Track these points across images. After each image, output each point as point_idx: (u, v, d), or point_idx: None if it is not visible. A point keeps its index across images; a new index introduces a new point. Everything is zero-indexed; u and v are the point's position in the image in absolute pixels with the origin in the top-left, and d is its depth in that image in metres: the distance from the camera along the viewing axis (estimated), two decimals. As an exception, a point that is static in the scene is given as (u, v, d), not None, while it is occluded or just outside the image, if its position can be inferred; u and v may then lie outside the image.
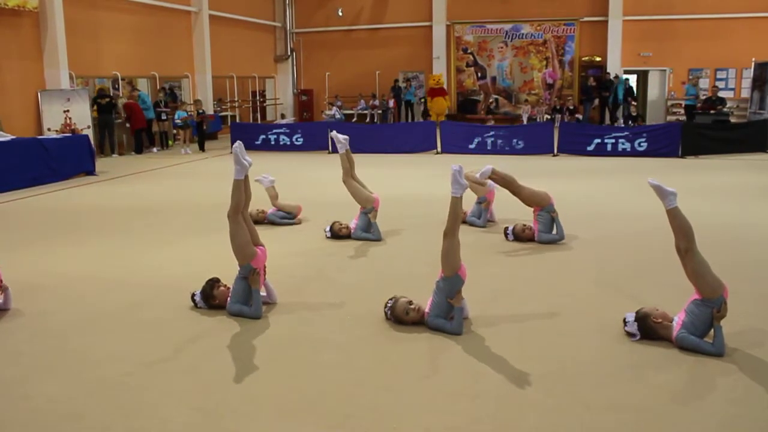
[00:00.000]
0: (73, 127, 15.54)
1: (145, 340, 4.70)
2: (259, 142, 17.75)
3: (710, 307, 4.26)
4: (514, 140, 16.14)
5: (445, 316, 4.74)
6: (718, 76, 22.74)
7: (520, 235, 7.33)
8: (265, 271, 5.26)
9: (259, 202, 8.96)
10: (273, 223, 8.40)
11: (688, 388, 3.89)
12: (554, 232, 7.27)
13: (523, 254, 6.87)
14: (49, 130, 15.12)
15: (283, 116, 24.95)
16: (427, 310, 4.82)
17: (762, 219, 8.45)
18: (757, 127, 16.32)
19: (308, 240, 7.62)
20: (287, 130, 17.94)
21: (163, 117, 18.60)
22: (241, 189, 5.09)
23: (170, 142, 19.39)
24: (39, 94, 15.25)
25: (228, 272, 6.16)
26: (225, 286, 5.25)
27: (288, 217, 8.53)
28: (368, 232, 7.57)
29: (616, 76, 22.23)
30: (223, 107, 22.67)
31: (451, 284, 4.73)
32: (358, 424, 3.51)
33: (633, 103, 20.88)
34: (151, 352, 4.47)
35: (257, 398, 3.80)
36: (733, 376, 3.97)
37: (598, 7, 23.35)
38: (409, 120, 24.05)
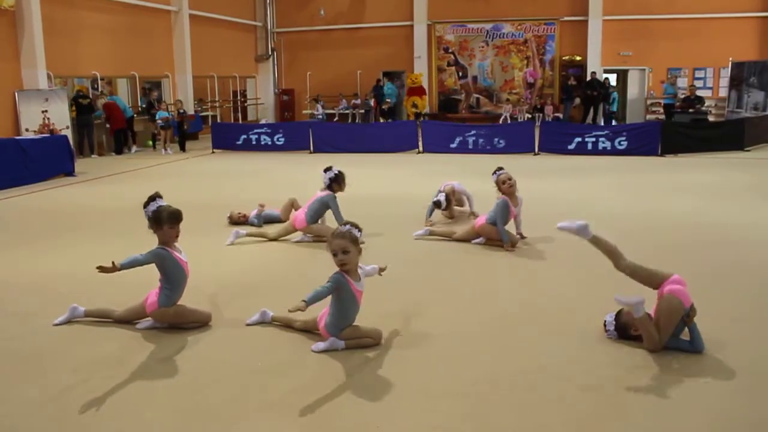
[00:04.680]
0: (51, 127, 15.37)
1: (125, 341, 4.66)
2: (240, 142, 17.70)
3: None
4: (496, 139, 16.22)
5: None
6: (696, 75, 23.01)
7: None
8: None
9: (243, 205, 8.95)
10: (253, 225, 8.32)
11: (668, 386, 3.91)
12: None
13: (504, 255, 6.89)
14: (27, 130, 14.95)
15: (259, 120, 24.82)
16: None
17: (742, 217, 8.54)
18: (734, 126, 16.54)
19: (287, 242, 7.58)
20: (268, 130, 17.89)
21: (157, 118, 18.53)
22: None
23: (149, 143, 19.26)
24: (16, 94, 15.06)
25: (215, 271, 6.16)
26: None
27: (273, 219, 8.42)
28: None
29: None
30: (204, 107, 22.56)
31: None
32: (340, 424, 3.50)
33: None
34: (131, 354, 4.44)
35: (238, 399, 3.78)
36: (704, 377, 4.02)
37: (578, 7, 23.52)
38: (389, 119, 24.08)
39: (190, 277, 4.96)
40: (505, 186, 7.01)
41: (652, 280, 4.43)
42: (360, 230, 4.46)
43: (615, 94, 21.97)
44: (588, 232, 4.55)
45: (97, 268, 4.43)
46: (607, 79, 22.91)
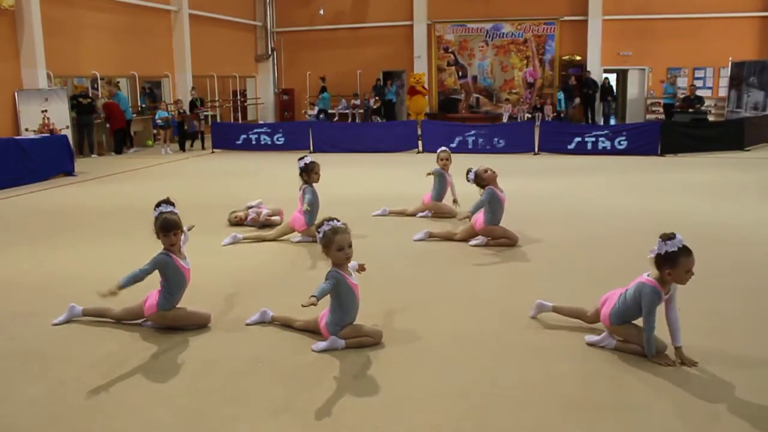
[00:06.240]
0: (51, 127, 15.36)
1: (125, 341, 4.66)
2: (240, 142, 17.71)
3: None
4: (495, 139, 16.23)
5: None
6: (696, 75, 23.01)
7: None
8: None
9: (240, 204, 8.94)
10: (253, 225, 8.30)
11: (667, 385, 3.92)
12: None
13: (503, 254, 6.89)
14: (26, 130, 14.95)
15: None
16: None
17: (742, 217, 8.54)
18: (734, 126, 16.54)
19: (287, 242, 7.58)
20: (268, 130, 17.90)
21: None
22: None
23: (149, 142, 19.25)
24: (16, 94, 15.06)
25: (215, 272, 6.15)
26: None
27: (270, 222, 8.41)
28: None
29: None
30: (204, 108, 22.55)
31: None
32: (341, 423, 3.51)
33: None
34: (131, 354, 4.44)
35: (238, 399, 3.78)
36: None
37: (578, 7, 23.52)
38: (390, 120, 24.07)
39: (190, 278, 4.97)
40: (488, 174, 7.00)
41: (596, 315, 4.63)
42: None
43: (560, 94, 22.06)
44: (547, 306, 4.89)
45: (98, 293, 4.50)
46: (606, 78, 22.92)
